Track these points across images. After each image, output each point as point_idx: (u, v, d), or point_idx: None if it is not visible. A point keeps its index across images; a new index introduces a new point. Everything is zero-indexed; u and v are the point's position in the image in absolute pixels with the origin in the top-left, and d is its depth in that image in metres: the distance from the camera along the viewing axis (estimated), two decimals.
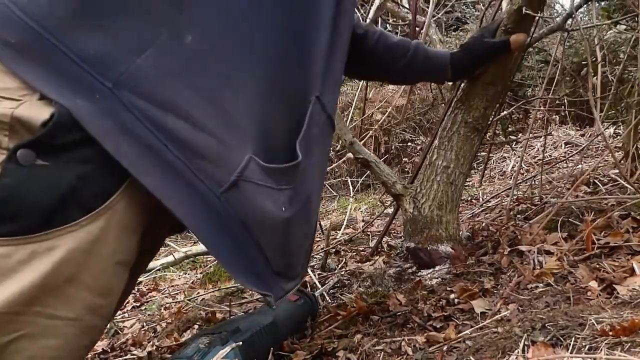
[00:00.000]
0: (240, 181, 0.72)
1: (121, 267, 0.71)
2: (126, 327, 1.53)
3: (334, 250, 1.77)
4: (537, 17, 1.19)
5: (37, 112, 0.62)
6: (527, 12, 1.15)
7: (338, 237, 1.98)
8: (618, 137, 2.30)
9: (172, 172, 0.67)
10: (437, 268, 1.27)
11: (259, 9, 0.74)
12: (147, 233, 0.74)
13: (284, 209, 0.79)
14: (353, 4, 0.95)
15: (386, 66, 1.22)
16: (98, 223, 0.65)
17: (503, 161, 2.92)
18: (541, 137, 2.42)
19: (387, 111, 3.40)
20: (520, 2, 1.17)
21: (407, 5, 2.26)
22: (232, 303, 1.42)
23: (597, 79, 1.47)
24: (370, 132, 3.47)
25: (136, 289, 1.92)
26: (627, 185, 1.41)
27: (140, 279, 1.99)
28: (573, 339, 0.77)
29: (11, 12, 0.63)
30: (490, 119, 1.40)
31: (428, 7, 1.93)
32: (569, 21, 1.24)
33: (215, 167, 0.70)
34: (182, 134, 0.67)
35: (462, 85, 1.34)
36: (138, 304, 1.79)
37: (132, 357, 1.23)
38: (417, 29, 1.91)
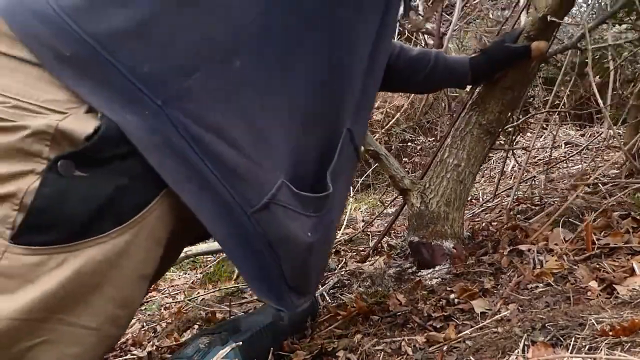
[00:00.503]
0: (272, 204, 0.75)
1: (144, 280, 0.72)
2: None
3: (333, 250, 1.77)
4: (559, 26, 1.19)
5: (82, 126, 0.63)
6: (552, 20, 1.15)
7: (338, 237, 1.98)
8: (613, 138, 2.30)
9: (207, 188, 0.70)
10: (437, 268, 1.27)
11: (303, 42, 0.77)
12: (169, 243, 0.75)
13: (309, 234, 0.82)
14: (393, 30, 0.97)
15: (406, 80, 1.25)
16: (125, 236, 0.66)
17: (503, 160, 2.91)
18: (543, 137, 2.42)
19: (386, 111, 3.40)
20: (545, 10, 1.17)
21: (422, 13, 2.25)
22: (232, 303, 1.42)
23: (598, 78, 1.47)
24: (370, 132, 3.46)
25: None
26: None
27: None
28: (573, 339, 0.77)
29: (67, 24, 0.64)
30: (504, 123, 1.41)
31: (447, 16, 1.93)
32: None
33: (248, 187, 0.73)
34: (221, 153, 0.70)
35: (479, 87, 1.35)
36: None
37: (132, 357, 1.23)
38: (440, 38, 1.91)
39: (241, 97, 0.72)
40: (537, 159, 2.55)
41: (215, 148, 0.69)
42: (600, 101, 1.15)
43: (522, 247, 1.21)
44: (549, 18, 1.16)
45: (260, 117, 0.74)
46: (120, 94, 0.65)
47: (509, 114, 1.42)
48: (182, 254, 2.14)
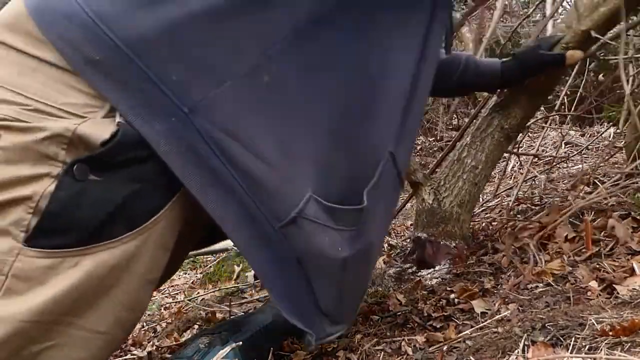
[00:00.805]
0: (300, 218, 0.74)
1: (150, 284, 0.73)
2: None
3: None
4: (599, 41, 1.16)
5: (99, 130, 0.63)
6: (596, 36, 1.13)
7: None
8: (613, 137, 2.30)
9: (232, 197, 0.70)
10: (437, 268, 1.27)
11: (333, 62, 0.77)
12: (175, 249, 0.75)
13: (340, 248, 0.80)
14: (436, 55, 0.94)
15: (436, 83, 1.20)
16: (136, 242, 0.66)
17: (503, 161, 2.91)
18: (541, 137, 2.41)
19: None
20: (590, 25, 1.15)
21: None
22: (232, 303, 1.42)
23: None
24: None
25: None
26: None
27: None
28: (573, 339, 0.77)
29: (98, 28, 0.64)
30: (522, 129, 1.40)
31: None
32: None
33: (275, 201, 0.73)
34: (247, 164, 0.70)
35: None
36: None
37: (132, 357, 1.23)
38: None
39: (268, 111, 0.72)
40: (536, 158, 2.55)
41: (242, 159, 0.69)
42: (627, 88, 1.09)
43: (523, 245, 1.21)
44: (593, 34, 1.13)
45: (287, 131, 0.74)
46: (149, 100, 0.65)
47: (529, 120, 1.41)
48: None
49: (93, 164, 0.63)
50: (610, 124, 2.18)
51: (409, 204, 2.20)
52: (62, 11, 0.66)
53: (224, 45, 0.69)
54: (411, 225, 1.93)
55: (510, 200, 1.67)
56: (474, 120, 1.42)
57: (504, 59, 1.23)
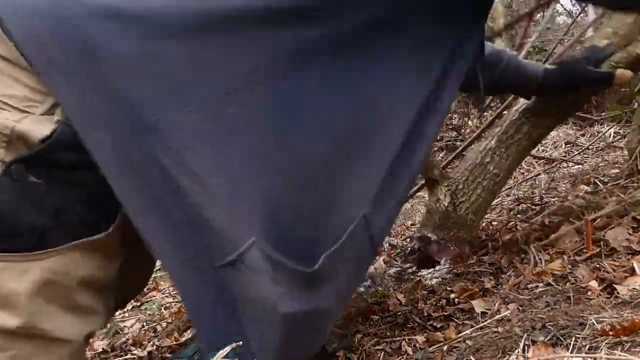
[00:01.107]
0: (239, 263, 0.68)
1: (101, 290, 0.70)
2: (126, 326, 1.52)
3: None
4: None
5: (38, 128, 0.61)
6: None
7: None
8: (614, 137, 2.30)
9: (171, 228, 0.66)
10: (437, 268, 1.27)
11: (312, 109, 0.69)
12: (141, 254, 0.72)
13: (279, 304, 0.70)
14: (441, 116, 0.81)
15: (468, 80, 1.09)
16: (79, 249, 0.65)
17: None
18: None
19: None
20: None
21: None
22: None
23: None
24: None
25: None
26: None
27: None
28: (573, 338, 0.77)
29: (72, 27, 0.62)
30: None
31: None
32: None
33: (217, 238, 0.67)
34: (194, 196, 0.65)
35: None
36: (138, 304, 1.79)
37: (132, 356, 1.23)
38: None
39: (225, 145, 0.66)
40: (536, 159, 2.55)
41: (189, 191, 0.65)
42: None
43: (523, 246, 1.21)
44: None
45: (241, 171, 0.67)
46: (104, 112, 0.62)
47: (551, 130, 1.37)
48: None
49: (32, 163, 0.61)
50: (613, 123, 2.18)
51: (408, 204, 2.21)
52: (31, 7, 0.63)
53: (194, 67, 0.64)
54: (411, 225, 1.94)
55: (510, 200, 1.67)
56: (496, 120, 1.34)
57: (547, 66, 1.15)
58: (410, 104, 0.76)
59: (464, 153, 1.66)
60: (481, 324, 0.93)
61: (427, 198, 2.26)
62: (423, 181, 1.49)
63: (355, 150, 0.73)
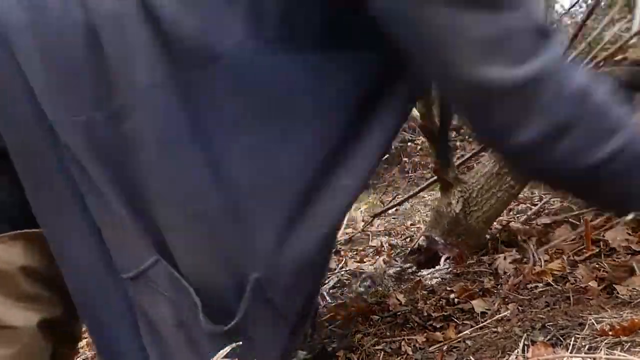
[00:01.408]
0: (142, 278, 0.65)
1: (46, 280, 0.70)
2: None
3: (333, 250, 1.77)
4: None
5: None
6: None
7: (338, 236, 1.98)
8: None
9: (79, 235, 0.66)
10: (437, 268, 1.27)
11: (193, 143, 0.62)
12: None
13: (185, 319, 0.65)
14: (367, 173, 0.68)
15: None
16: (20, 240, 0.66)
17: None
18: None
19: None
20: None
21: None
22: None
23: None
24: None
25: None
26: None
27: None
28: (573, 338, 0.77)
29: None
30: None
31: None
32: None
33: (122, 250, 0.66)
34: (102, 205, 0.64)
35: None
36: None
37: None
38: None
39: (121, 160, 0.63)
40: None
41: (97, 200, 0.64)
42: None
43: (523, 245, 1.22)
44: None
45: (140, 183, 0.63)
46: (28, 112, 0.62)
47: None
48: None
49: None
50: None
51: (408, 204, 2.21)
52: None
53: (98, 73, 0.61)
54: (411, 225, 1.94)
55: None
56: None
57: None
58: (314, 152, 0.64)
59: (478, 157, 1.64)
60: (481, 324, 0.94)
61: (427, 198, 2.27)
62: (424, 183, 1.48)
63: (238, 197, 0.63)
